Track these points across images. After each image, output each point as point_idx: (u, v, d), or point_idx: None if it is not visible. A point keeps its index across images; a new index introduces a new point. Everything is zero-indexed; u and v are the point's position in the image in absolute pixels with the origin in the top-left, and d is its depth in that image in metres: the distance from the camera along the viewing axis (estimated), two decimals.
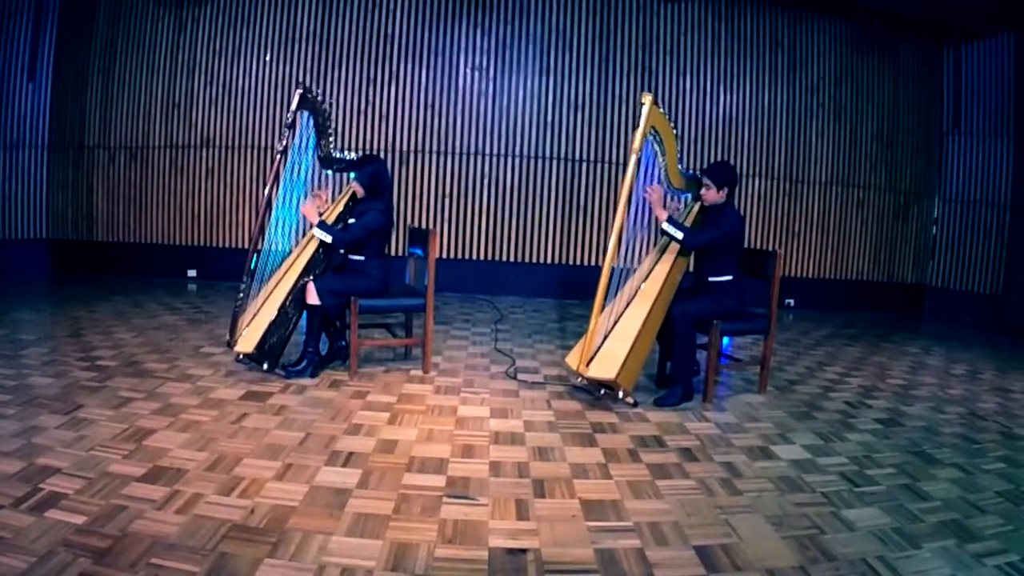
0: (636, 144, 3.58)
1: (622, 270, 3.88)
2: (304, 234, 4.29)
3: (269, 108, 7.63)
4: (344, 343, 4.33)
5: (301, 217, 4.21)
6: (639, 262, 4.11)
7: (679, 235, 3.83)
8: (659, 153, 3.87)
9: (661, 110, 3.73)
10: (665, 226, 3.85)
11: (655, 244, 4.25)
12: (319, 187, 4.39)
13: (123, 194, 7.83)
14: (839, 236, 8.20)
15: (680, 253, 4.03)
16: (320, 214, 4.08)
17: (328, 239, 3.97)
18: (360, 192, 4.15)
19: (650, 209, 3.91)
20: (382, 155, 7.52)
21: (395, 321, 5.11)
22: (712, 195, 3.95)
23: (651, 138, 3.76)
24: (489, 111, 7.71)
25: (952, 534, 2.41)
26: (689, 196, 4.26)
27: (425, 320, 4.21)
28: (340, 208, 4.36)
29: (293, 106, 3.88)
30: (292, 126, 3.95)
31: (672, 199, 4.15)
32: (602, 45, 7.71)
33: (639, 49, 7.73)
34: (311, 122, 4.10)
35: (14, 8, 7.34)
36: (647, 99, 3.57)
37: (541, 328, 6.04)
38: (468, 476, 2.73)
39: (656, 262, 4.05)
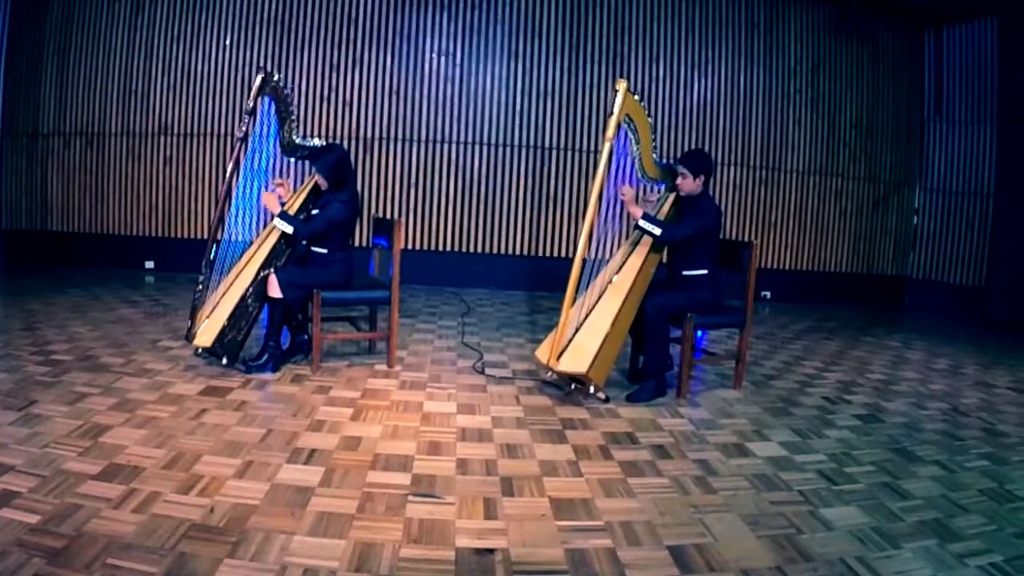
0: (610, 132, 3.50)
1: (594, 261, 3.82)
2: (265, 224, 4.20)
3: (229, 94, 7.47)
4: (306, 337, 4.26)
5: (262, 207, 4.11)
6: (611, 253, 4.04)
7: (656, 231, 3.77)
8: (633, 142, 3.79)
9: (636, 97, 3.65)
10: (642, 223, 3.79)
11: (628, 236, 4.18)
12: (281, 175, 4.32)
13: (79, 183, 7.64)
14: (817, 227, 8.18)
15: (654, 245, 3.96)
16: (282, 204, 4.02)
17: (289, 230, 3.89)
18: (323, 184, 4.05)
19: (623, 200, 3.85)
20: (346, 142, 7.40)
21: (359, 314, 5.03)
22: (688, 184, 3.89)
23: (625, 126, 3.68)
24: (456, 97, 7.59)
25: (933, 533, 2.38)
26: (664, 186, 4.19)
27: (390, 313, 4.15)
28: (303, 197, 4.27)
29: (254, 91, 3.82)
30: (253, 112, 3.87)
31: (647, 191, 4.07)
32: (572, 29, 7.63)
33: (610, 34, 7.65)
34: (272, 108, 4.03)
35: None
36: (621, 85, 3.48)
37: (510, 321, 5.98)
38: (434, 474, 2.69)
39: (629, 254, 3.98)
